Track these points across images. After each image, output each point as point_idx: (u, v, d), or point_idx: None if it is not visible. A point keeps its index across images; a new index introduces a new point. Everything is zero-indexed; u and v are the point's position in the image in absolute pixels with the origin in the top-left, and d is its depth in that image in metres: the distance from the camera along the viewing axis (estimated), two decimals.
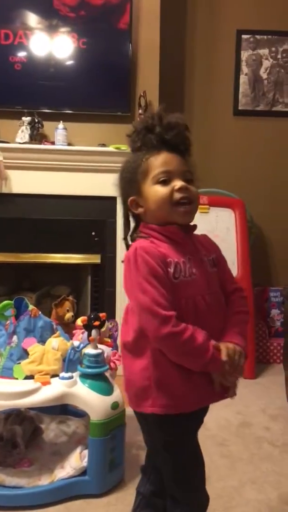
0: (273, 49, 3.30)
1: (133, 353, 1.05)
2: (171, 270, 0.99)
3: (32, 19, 2.80)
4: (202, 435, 2.02)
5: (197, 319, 1.00)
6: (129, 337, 1.05)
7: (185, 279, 1.01)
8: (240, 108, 3.32)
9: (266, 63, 3.31)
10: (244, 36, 3.28)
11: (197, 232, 1.11)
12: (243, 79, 3.31)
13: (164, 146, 1.03)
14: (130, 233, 1.11)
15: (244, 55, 3.30)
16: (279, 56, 3.31)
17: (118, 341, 1.99)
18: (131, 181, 1.07)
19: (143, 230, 1.07)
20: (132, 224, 1.12)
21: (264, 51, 3.30)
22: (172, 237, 1.03)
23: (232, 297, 1.11)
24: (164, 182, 1.02)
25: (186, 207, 1.02)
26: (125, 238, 1.12)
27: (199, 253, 1.07)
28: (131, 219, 1.12)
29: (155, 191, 1.02)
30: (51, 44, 2.80)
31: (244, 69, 3.31)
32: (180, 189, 1.01)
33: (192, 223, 1.09)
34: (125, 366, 1.08)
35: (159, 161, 1.03)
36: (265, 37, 3.28)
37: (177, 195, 1.01)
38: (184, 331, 0.96)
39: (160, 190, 1.02)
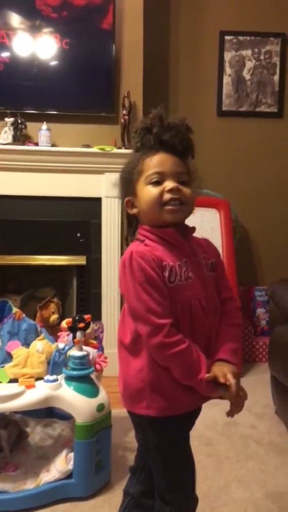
0: (256, 50, 3.33)
1: (130, 352, 1.05)
2: (167, 274, 0.99)
3: (15, 19, 2.77)
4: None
5: (192, 322, 1.00)
6: (126, 338, 1.05)
7: (181, 283, 1.00)
8: (223, 109, 3.34)
9: (249, 64, 3.33)
10: (227, 37, 3.30)
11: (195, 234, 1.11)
12: (226, 80, 3.33)
13: (162, 147, 1.03)
14: (130, 233, 1.12)
15: (227, 56, 3.31)
16: (262, 57, 3.33)
17: (104, 343, 1.99)
18: (128, 182, 1.07)
19: (140, 231, 1.07)
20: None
21: (247, 52, 3.32)
22: (168, 239, 1.03)
23: (227, 306, 1.10)
24: (157, 183, 1.02)
25: (174, 206, 1.01)
26: (126, 238, 1.13)
27: (197, 256, 1.06)
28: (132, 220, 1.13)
29: (147, 192, 1.02)
30: (34, 45, 2.78)
31: (228, 70, 3.33)
32: (170, 190, 1.01)
33: (190, 226, 1.09)
34: (121, 365, 1.09)
35: (153, 162, 1.03)
36: (248, 38, 3.30)
37: (167, 196, 1.01)
38: (176, 344, 0.96)
39: (151, 191, 1.02)
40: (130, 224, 1.12)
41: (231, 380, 0.96)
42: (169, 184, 1.01)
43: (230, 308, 1.10)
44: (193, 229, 1.09)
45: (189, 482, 1.11)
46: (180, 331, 0.98)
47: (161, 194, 1.01)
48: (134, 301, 0.98)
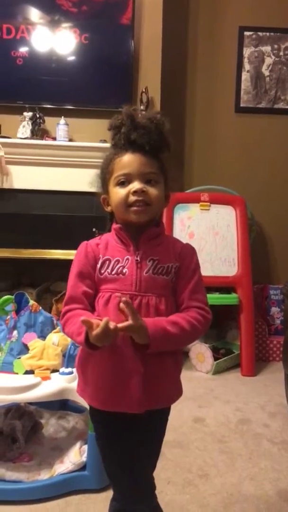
0: (276, 46, 3.29)
1: None
2: (98, 265, 1.05)
3: (35, 14, 2.79)
4: (201, 431, 2.04)
5: (106, 314, 0.99)
6: None
7: (110, 276, 1.04)
8: (242, 105, 3.32)
9: (269, 60, 3.30)
10: (246, 33, 3.27)
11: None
12: (245, 76, 3.30)
13: (131, 146, 1.03)
14: (106, 229, 1.14)
15: (247, 52, 3.29)
16: (281, 53, 3.30)
17: None
18: (102, 180, 1.10)
19: (112, 226, 1.10)
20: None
21: (267, 48, 3.29)
22: (120, 237, 1.07)
23: (189, 309, 1.05)
24: (123, 184, 1.03)
25: (138, 207, 1.02)
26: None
27: (147, 256, 1.05)
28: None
29: (115, 193, 1.05)
30: (53, 39, 2.80)
31: (246, 66, 3.30)
32: (135, 192, 1.02)
33: (156, 228, 1.08)
34: None
35: (121, 163, 1.04)
36: (267, 34, 3.27)
37: (132, 198, 1.02)
38: (63, 321, 1.04)
39: (119, 192, 1.04)
40: (110, 220, 1.14)
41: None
42: (134, 185, 1.02)
43: (191, 310, 1.04)
44: (153, 230, 1.07)
45: (122, 480, 1.06)
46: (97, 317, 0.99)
47: (127, 195, 1.03)
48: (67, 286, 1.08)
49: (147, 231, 1.06)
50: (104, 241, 1.08)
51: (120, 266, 1.04)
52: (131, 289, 1.02)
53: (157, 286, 1.04)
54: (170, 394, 1.08)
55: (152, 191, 1.03)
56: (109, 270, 1.04)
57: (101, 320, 0.92)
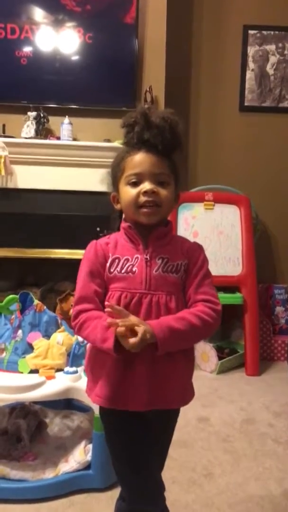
0: (280, 44, 3.28)
1: None
2: (108, 264, 1.05)
3: (39, 13, 2.80)
4: (206, 431, 2.03)
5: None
6: None
7: (120, 274, 1.03)
8: (246, 104, 3.31)
9: (273, 59, 3.29)
10: (250, 32, 3.26)
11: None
12: (249, 74, 3.29)
13: (143, 146, 1.03)
14: (115, 227, 1.14)
15: (251, 50, 3.28)
16: (286, 52, 3.29)
17: None
18: (114, 177, 1.09)
19: (121, 225, 1.10)
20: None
21: (271, 47, 3.28)
22: (129, 236, 1.07)
23: (196, 303, 1.05)
24: (134, 184, 1.03)
25: (149, 209, 1.02)
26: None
27: (156, 254, 1.05)
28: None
29: (125, 192, 1.04)
30: (57, 39, 2.80)
31: (251, 64, 3.29)
32: (145, 193, 1.02)
33: (165, 228, 1.08)
34: None
35: (133, 162, 1.03)
36: (272, 32, 3.26)
37: (142, 199, 1.02)
38: (78, 323, 1.02)
39: (129, 191, 1.03)
40: (119, 217, 1.14)
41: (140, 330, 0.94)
42: (145, 186, 1.02)
43: (199, 304, 1.04)
44: (161, 229, 1.07)
45: (131, 481, 1.06)
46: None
47: (138, 195, 1.02)
48: (76, 286, 1.07)
49: (156, 230, 1.06)
50: (113, 240, 1.08)
51: (129, 265, 1.04)
52: (141, 288, 1.02)
53: (167, 284, 1.04)
54: (180, 395, 1.06)
55: (163, 192, 1.03)
56: (118, 269, 1.04)
57: (123, 313, 0.95)
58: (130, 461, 1.05)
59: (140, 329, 0.93)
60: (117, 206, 1.10)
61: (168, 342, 0.97)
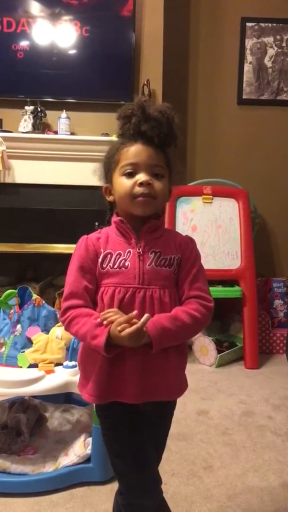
0: (278, 37, 3.26)
1: None
2: (100, 259, 1.03)
3: (35, 7, 2.78)
4: (205, 424, 2.04)
5: (111, 308, 1.00)
6: None
7: (112, 270, 1.03)
8: (244, 97, 3.30)
9: (271, 52, 3.28)
10: (248, 24, 3.24)
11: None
12: (247, 67, 3.28)
13: (140, 137, 1.02)
14: (106, 220, 1.13)
15: (249, 43, 3.26)
16: (284, 44, 3.27)
17: None
18: (107, 169, 1.08)
19: (112, 218, 1.09)
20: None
21: (269, 39, 3.26)
22: (121, 230, 1.05)
23: (189, 300, 1.05)
24: (130, 175, 1.02)
25: (144, 198, 1.01)
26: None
27: (149, 248, 1.04)
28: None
29: (120, 183, 1.03)
30: (54, 32, 2.78)
31: (249, 57, 3.27)
32: (141, 184, 1.01)
33: (157, 221, 1.07)
34: None
35: (129, 153, 1.02)
36: (270, 25, 3.24)
37: (137, 190, 1.01)
38: (67, 319, 1.00)
39: (124, 183, 1.02)
40: (110, 210, 1.13)
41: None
42: (141, 177, 1.01)
43: (192, 301, 1.04)
44: (153, 222, 1.06)
45: (128, 474, 1.06)
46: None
47: (133, 186, 1.01)
48: (66, 282, 1.05)
49: (147, 223, 1.05)
50: (104, 235, 1.06)
51: (122, 259, 1.03)
52: (134, 282, 1.02)
53: (160, 278, 1.03)
54: (173, 387, 1.06)
55: (158, 184, 1.02)
56: (111, 264, 1.03)
57: (119, 314, 0.94)
58: (126, 455, 1.05)
59: (139, 321, 0.93)
60: (110, 198, 1.09)
61: (162, 342, 0.98)
